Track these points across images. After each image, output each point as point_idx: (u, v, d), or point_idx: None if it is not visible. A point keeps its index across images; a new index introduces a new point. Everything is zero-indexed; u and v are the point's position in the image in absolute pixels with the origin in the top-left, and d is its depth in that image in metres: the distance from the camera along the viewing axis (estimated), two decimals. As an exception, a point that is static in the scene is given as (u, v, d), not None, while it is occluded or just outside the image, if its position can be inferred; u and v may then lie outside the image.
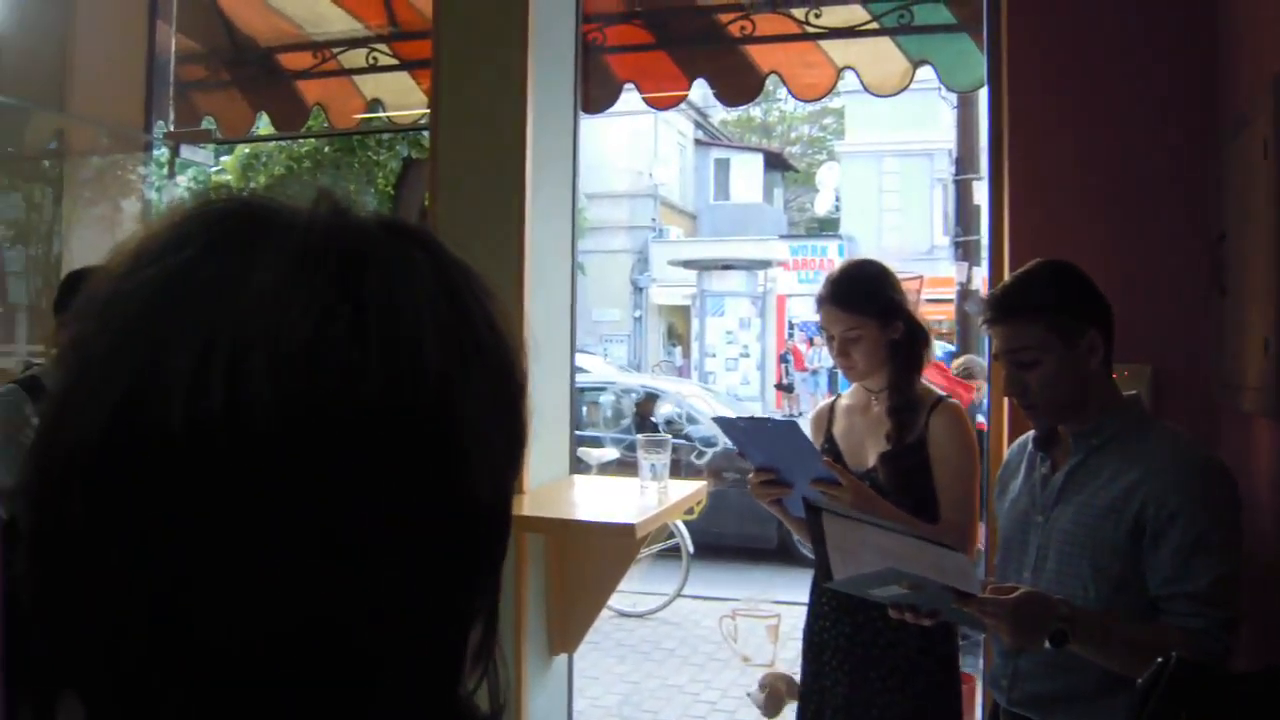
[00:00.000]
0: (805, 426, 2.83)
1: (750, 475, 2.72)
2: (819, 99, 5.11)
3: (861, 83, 4.71)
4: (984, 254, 4.24)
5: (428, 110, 5.75)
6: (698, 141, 29.84)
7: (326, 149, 11.19)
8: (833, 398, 3.04)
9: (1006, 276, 2.47)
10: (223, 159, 11.18)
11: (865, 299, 2.75)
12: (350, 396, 0.51)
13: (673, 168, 27.69)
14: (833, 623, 2.80)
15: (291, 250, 0.55)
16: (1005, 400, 3.03)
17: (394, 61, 5.65)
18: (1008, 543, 2.39)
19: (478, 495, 0.57)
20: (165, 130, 5.17)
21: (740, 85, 4.98)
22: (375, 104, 5.83)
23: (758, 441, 2.73)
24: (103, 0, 4.89)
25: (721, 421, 2.90)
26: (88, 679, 0.54)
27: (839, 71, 4.76)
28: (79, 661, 0.54)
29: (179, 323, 0.52)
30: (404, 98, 5.86)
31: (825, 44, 4.74)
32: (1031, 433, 2.39)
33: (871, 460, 2.78)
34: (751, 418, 2.93)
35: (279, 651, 0.51)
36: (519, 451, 0.62)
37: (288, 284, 0.53)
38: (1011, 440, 2.71)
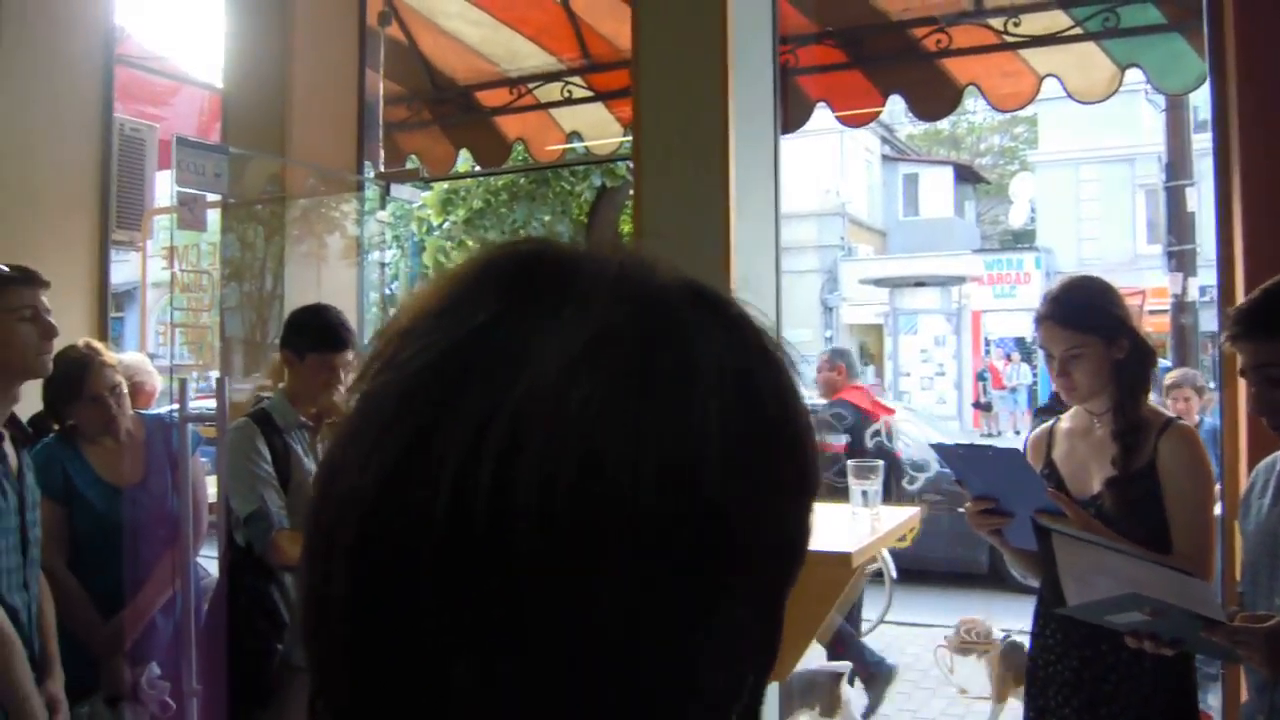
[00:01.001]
0: (1023, 450, 2.74)
1: (968, 504, 2.64)
2: (1019, 108, 5.00)
3: (1065, 90, 4.57)
4: (1201, 263, 4.03)
5: (624, 139, 5.86)
6: (885, 157, 29.43)
7: (522, 181, 11.46)
8: (1051, 420, 2.92)
9: (1240, 287, 2.33)
10: (423, 194, 11.56)
11: (1088, 316, 2.64)
12: (618, 509, 0.48)
13: (860, 185, 27.37)
14: (1059, 656, 2.68)
15: (587, 325, 0.51)
16: (1242, 418, 2.86)
17: (589, 93, 5.76)
18: (1255, 567, 2.25)
19: (755, 594, 0.54)
20: (375, 170, 5.38)
21: (936, 99, 4.90)
22: (573, 136, 5.96)
23: (977, 469, 2.64)
24: (317, 52, 5.12)
25: (940, 449, 2.82)
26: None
27: (1040, 80, 4.63)
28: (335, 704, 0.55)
29: (457, 397, 0.50)
30: (601, 129, 5.97)
31: (1025, 52, 4.63)
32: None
33: (1096, 487, 2.66)
34: (971, 445, 2.84)
35: None
36: (804, 546, 0.58)
37: (576, 367, 0.50)
38: (1251, 461, 2.56)
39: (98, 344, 3.63)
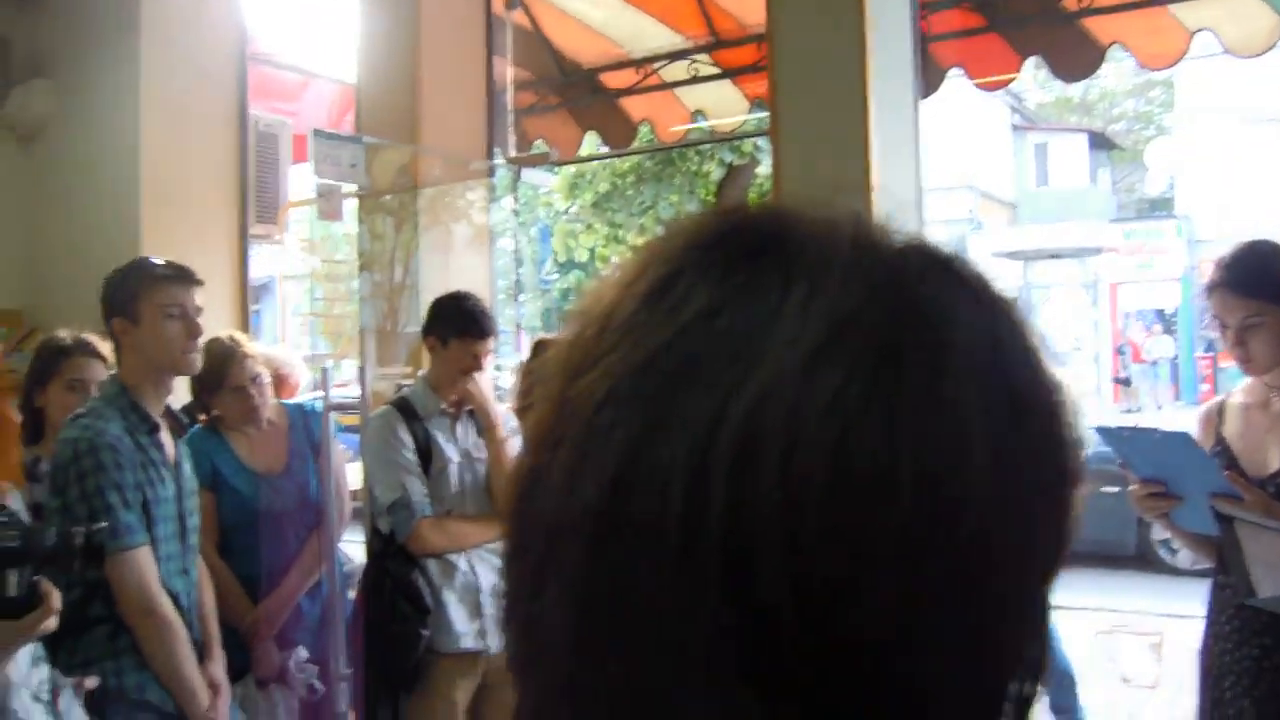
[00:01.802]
0: (1193, 430, 2.59)
1: (1133, 487, 2.51)
2: (1168, 67, 4.78)
3: (1221, 44, 4.34)
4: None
5: (749, 116, 5.78)
6: (1014, 127, 28.65)
7: (648, 163, 11.43)
8: (1222, 395, 2.77)
9: None
10: (553, 177, 11.62)
11: (1266, 282, 2.48)
12: (875, 519, 0.42)
13: (988, 156, 26.70)
14: (1235, 645, 2.53)
15: (820, 310, 0.45)
16: None
17: (715, 71, 5.70)
18: None
19: (1021, 596, 0.47)
20: (505, 156, 5.40)
21: (1078, 60, 4.73)
22: (698, 114, 5.90)
23: (1143, 451, 2.51)
24: (446, 40, 5.15)
25: (1103, 431, 2.67)
26: None
27: (1191, 35, 4.41)
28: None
29: (679, 398, 0.44)
30: (726, 106, 5.90)
31: (1175, 7, 4.41)
32: None
33: (1274, 465, 2.50)
34: (1136, 428, 2.69)
35: None
36: (1068, 537, 0.50)
37: (817, 356, 0.43)
38: None
39: (240, 336, 3.71)
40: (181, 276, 2.88)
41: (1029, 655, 0.48)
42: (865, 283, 0.46)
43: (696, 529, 0.42)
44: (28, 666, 2.22)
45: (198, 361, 2.93)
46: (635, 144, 6.67)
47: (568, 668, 0.46)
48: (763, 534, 0.41)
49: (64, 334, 3.37)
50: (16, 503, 2.49)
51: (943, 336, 0.45)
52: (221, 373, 3.49)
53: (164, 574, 2.78)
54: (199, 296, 2.91)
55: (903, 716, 0.43)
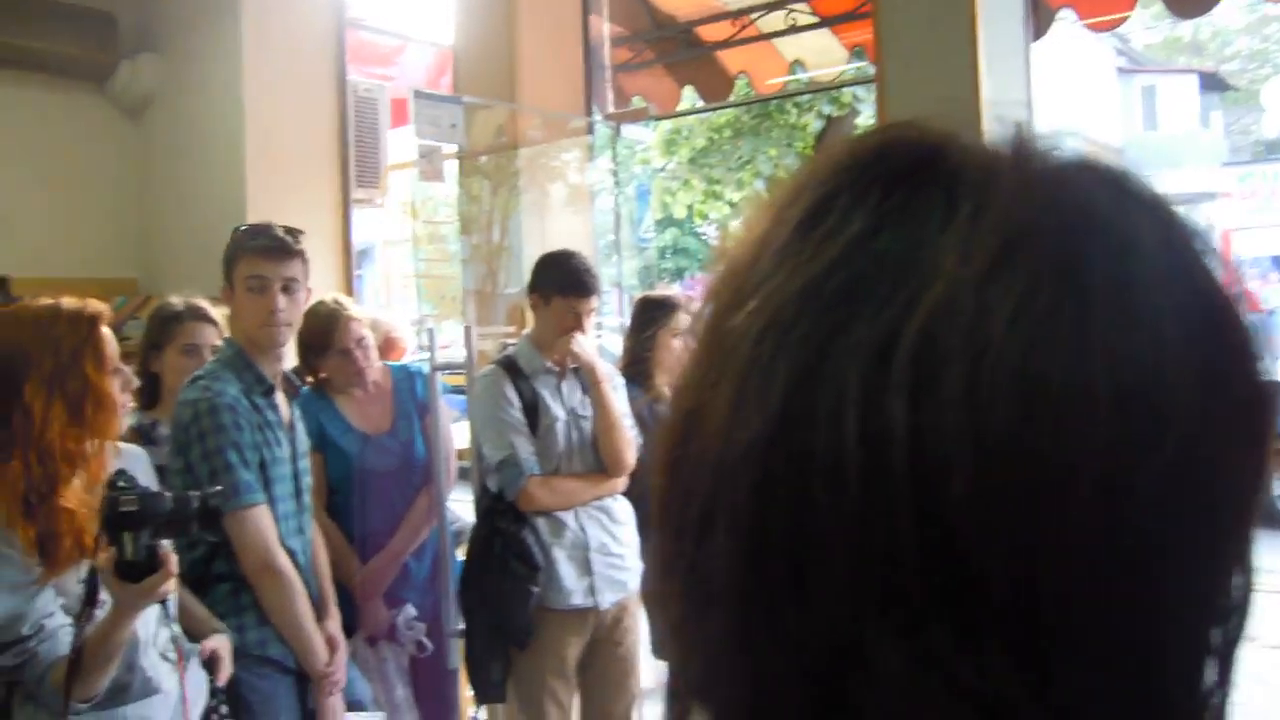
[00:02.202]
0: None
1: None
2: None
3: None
4: None
5: (849, 66, 5.67)
6: (1120, 70, 27.78)
7: (745, 117, 11.32)
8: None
9: None
10: (651, 133, 11.58)
11: None
12: (1073, 444, 0.38)
13: (1093, 101, 25.96)
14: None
15: (991, 224, 0.42)
16: None
17: (813, 19, 5.58)
18: None
19: (1228, 535, 0.43)
20: (603, 113, 5.37)
21: (1199, -7, 4.53)
22: (796, 65, 5.81)
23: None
24: (541, 1, 5.14)
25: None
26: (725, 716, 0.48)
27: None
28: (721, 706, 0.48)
29: (848, 320, 0.41)
30: (825, 56, 5.79)
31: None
32: None
33: None
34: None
35: None
36: (1263, 480, 0.45)
37: (988, 270, 0.40)
38: None
39: (344, 299, 3.75)
40: (267, 249, 2.86)
41: (1234, 597, 0.45)
42: (1036, 195, 0.43)
43: (877, 457, 0.39)
44: (155, 625, 2.28)
45: (277, 336, 2.91)
46: (732, 97, 6.59)
47: (741, 617, 0.44)
48: (951, 457, 0.38)
49: (176, 300, 3.44)
50: (143, 463, 2.54)
51: (1125, 246, 0.42)
52: (327, 336, 3.54)
53: (282, 533, 2.84)
54: (293, 269, 2.89)
55: (1108, 657, 0.40)
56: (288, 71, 5.13)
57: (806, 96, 9.98)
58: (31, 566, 2.10)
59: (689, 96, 6.26)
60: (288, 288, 2.86)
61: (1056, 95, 24.28)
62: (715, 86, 5.97)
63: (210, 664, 2.55)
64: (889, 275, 0.41)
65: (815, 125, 10.52)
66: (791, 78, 6.01)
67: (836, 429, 0.40)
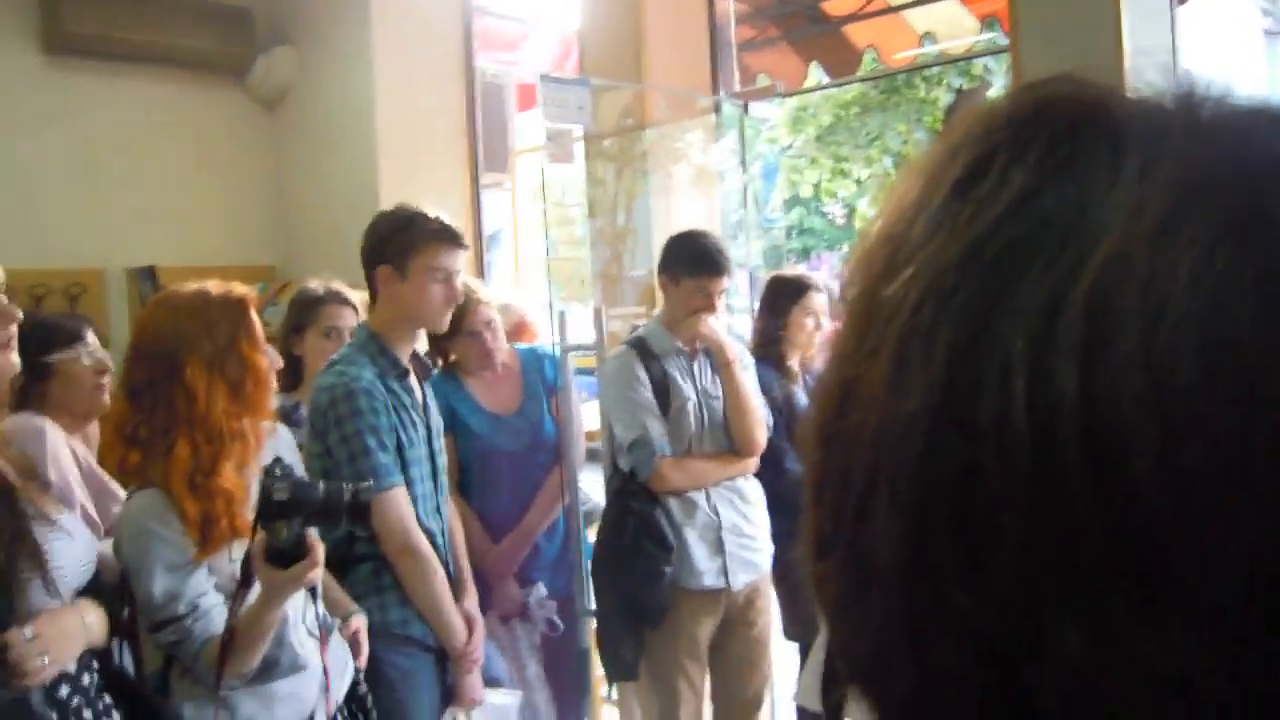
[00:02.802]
0: None
1: None
2: None
3: None
4: None
5: (981, 37, 5.52)
6: (1267, 32, 26.60)
7: (872, 92, 11.14)
8: None
9: None
10: (778, 111, 11.47)
11: None
12: (1263, 410, 0.35)
13: (1240, 63, 24.94)
14: None
15: (1164, 180, 0.39)
16: None
17: (944, -10, 5.46)
18: None
19: None
20: (730, 91, 5.33)
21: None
22: (926, 38, 5.68)
23: None
24: (667, -23, 5.14)
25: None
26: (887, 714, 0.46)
27: None
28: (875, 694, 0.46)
29: (1011, 285, 0.39)
30: (955, 26, 5.66)
31: None
32: None
33: None
34: None
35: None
36: None
37: (1163, 227, 0.38)
38: None
39: (473, 282, 3.79)
40: (454, 240, 2.94)
41: None
42: (1210, 147, 0.40)
43: (1048, 425, 0.37)
44: (302, 604, 2.34)
45: (448, 320, 3.01)
46: (860, 72, 6.49)
47: (906, 599, 0.41)
48: (1128, 423, 0.36)
49: (316, 285, 3.54)
50: (289, 443, 2.62)
51: None
52: (456, 319, 3.59)
53: (420, 514, 2.89)
54: (461, 259, 2.98)
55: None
56: (417, 60, 5.22)
57: (935, 70, 9.77)
58: (187, 547, 2.18)
59: (815, 73, 6.18)
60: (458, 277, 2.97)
61: (1202, 59, 23.33)
62: (842, 61, 5.87)
63: (352, 642, 2.62)
64: (1054, 236, 0.39)
65: (945, 99, 10.29)
66: (922, 50, 5.88)
67: (1004, 397, 0.38)
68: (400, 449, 2.88)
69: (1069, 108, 0.43)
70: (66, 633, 1.97)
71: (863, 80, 8.81)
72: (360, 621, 2.71)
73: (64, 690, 1.97)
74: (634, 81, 4.93)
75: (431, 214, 2.96)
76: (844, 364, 0.45)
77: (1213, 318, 0.36)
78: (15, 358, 1.96)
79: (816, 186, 12.28)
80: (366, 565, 2.87)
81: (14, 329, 1.95)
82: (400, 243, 2.90)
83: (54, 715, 1.93)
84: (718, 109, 5.20)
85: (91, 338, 2.47)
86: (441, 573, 2.91)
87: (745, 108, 5.19)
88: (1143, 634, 0.36)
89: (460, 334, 3.61)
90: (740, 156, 5.39)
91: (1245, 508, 0.35)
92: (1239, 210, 0.37)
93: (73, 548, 2.04)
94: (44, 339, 2.64)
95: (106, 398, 2.50)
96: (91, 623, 2.05)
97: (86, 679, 2.03)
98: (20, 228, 4.68)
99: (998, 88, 9.81)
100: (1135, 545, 0.36)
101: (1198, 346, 0.35)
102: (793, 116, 11.73)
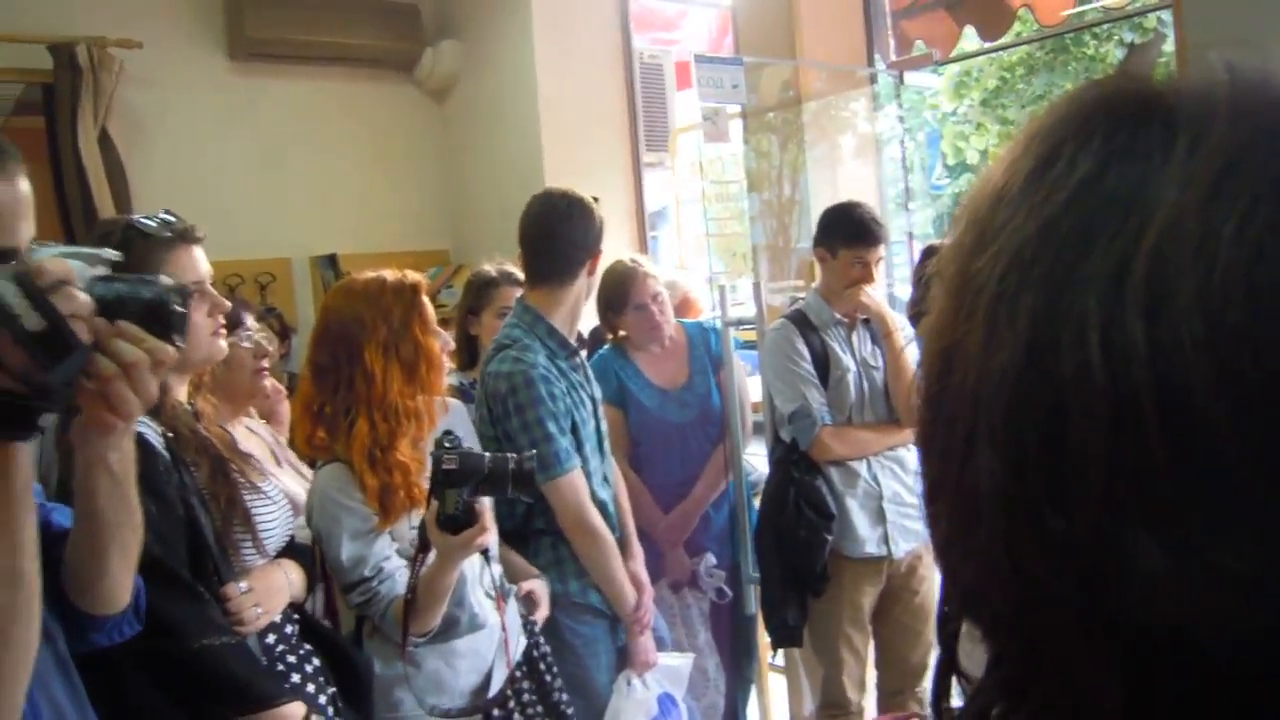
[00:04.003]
0: None
1: None
2: None
3: None
4: None
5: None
6: None
7: (1037, 53, 10.80)
8: None
9: None
10: (937, 79, 11.21)
11: None
12: None
13: None
14: None
15: (1209, 154, 0.45)
16: None
17: (1107, -57, 5.29)
18: None
19: None
20: (886, 61, 5.30)
21: None
22: (1087, -6, 5.50)
23: None
24: (818, -50, 5.11)
25: None
26: (993, 631, 0.53)
27: None
28: (983, 613, 0.53)
29: (1080, 257, 0.46)
30: (1120, -20, 5.47)
31: None
32: None
33: None
34: None
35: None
36: None
37: (1210, 193, 0.44)
38: None
39: (640, 257, 3.90)
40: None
41: None
42: (1251, 122, 0.46)
43: (1122, 371, 0.43)
44: (479, 567, 2.49)
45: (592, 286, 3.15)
46: (1013, 33, 6.31)
47: (1006, 528, 0.48)
48: (1190, 363, 0.42)
49: (490, 267, 3.70)
50: (464, 418, 2.78)
51: None
52: (624, 292, 3.69)
53: (592, 487, 3.02)
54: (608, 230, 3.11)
55: None
56: (576, 45, 5.34)
57: (1105, 26, 9.40)
58: (370, 515, 2.36)
59: (970, 37, 6.05)
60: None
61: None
62: (994, 22, 5.72)
63: (527, 603, 2.77)
64: (1118, 209, 0.46)
65: (1116, 55, 9.91)
66: (1080, 8, 5.70)
67: (1081, 349, 0.44)
68: (575, 429, 3.00)
69: (1126, 99, 0.50)
70: (275, 587, 2.18)
71: (1022, 43, 8.55)
72: (536, 584, 2.86)
73: (271, 638, 2.17)
74: (789, 56, 4.94)
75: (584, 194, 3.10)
76: (944, 332, 0.53)
77: (1258, 264, 0.42)
78: (224, 344, 2.15)
79: (984, 152, 11.97)
80: (546, 539, 3.02)
81: (222, 318, 2.13)
82: (601, 230, 3.06)
83: (264, 660, 2.13)
84: (873, 80, 5.17)
85: (251, 322, 2.63)
86: (614, 547, 3.03)
87: (900, 77, 5.14)
88: (1217, 545, 0.42)
89: (628, 308, 3.71)
90: (901, 125, 5.35)
91: None
92: (1274, 176, 0.44)
93: (274, 512, 2.23)
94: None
95: (267, 381, 2.67)
96: (294, 579, 2.26)
97: (289, 628, 2.24)
98: (214, 222, 4.90)
99: (1171, 41, 9.35)
100: (1205, 468, 0.42)
101: (1245, 290, 0.42)
102: (957, 82, 11.45)
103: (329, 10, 5.38)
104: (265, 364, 2.61)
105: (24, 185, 1.30)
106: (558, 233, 3.03)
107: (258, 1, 5.20)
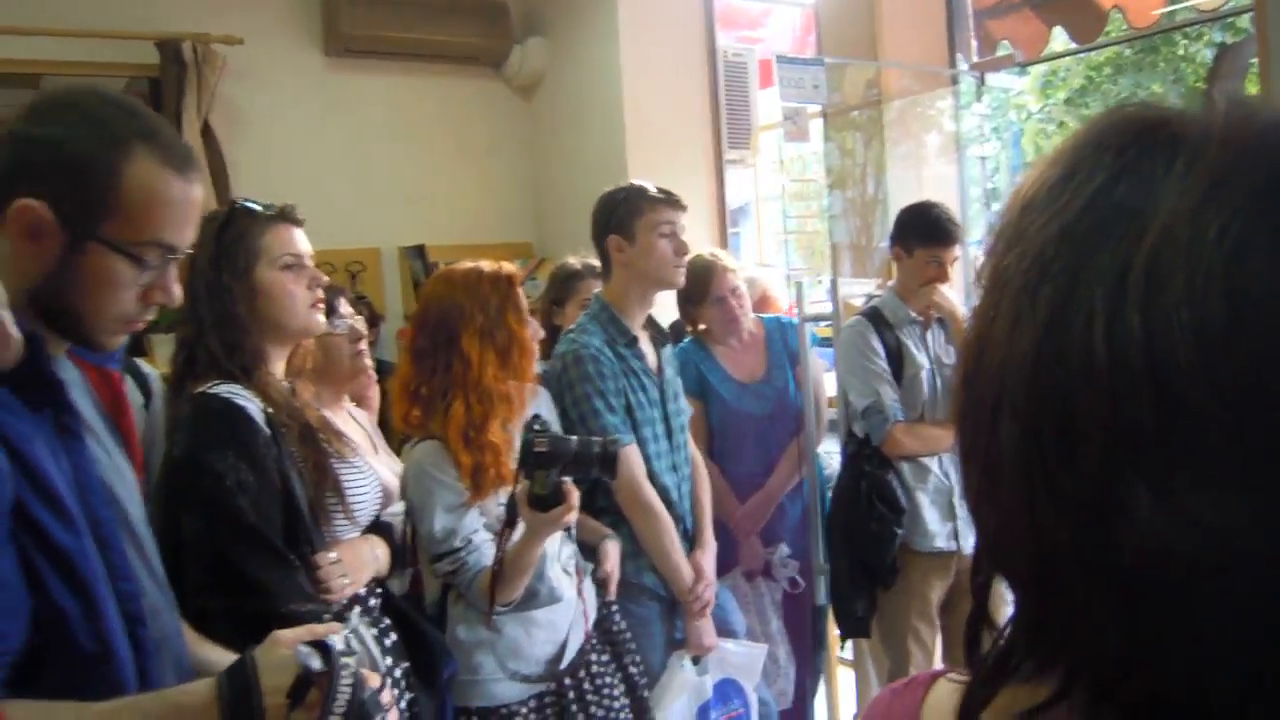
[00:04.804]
0: None
1: None
2: None
3: None
4: None
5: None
6: None
7: (1126, 52, 10.65)
8: None
9: None
10: (1020, 80, 11.10)
11: None
12: (1270, 339, 0.51)
13: None
14: None
15: (1201, 171, 0.54)
16: None
17: (1199, -56, 5.23)
18: None
19: None
20: (969, 62, 5.31)
21: None
22: (1178, -6, 5.46)
23: None
24: (902, -50, 5.14)
25: None
26: (1014, 580, 0.63)
27: None
28: (1005, 563, 0.63)
29: (1091, 255, 0.55)
30: (1210, -18, 5.40)
31: None
32: None
33: None
34: None
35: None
36: None
37: (1199, 205, 0.53)
38: None
39: (719, 251, 3.98)
40: (671, 200, 3.16)
41: None
42: (1239, 147, 0.55)
43: (1121, 353, 0.53)
44: (559, 545, 2.63)
45: (682, 276, 3.21)
46: (1107, 34, 6.25)
47: (1025, 486, 0.58)
48: (1177, 345, 0.51)
49: (574, 260, 3.82)
50: (549, 404, 2.90)
51: None
52: (704, 286, 3.77)
53: (655, 470, 3.12)
54: (683, 219, 3.18)
55: None
56: (661, 42, 5.41)
57: (1196, 26, 9.24)
58: (462, 490, 2.51)
59: (1059, 36, 6.01)
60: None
61: None
62: (1085, 23, 5.67)
63: (602, 583, 2.88)
64: (1124, 216, 0.56)
65: (1206, 55, 9.74)
66: (1173, 8, 5.64)
67: (1088, 334, 0.54)
68: (630, 410, 3.10)
69: (1137, 125, 0.60)
70: (362, 560, 2.31)
71: (1107, 45, 8.41)
72: (611, 547, 2.97)
73: (354, 609, 2.29)
74: (871, 55, 4.99)
75: (647, 183, 3.20)
76: (979, 324, 0.64)
77: (1235, 263, 0.52)
78: (321, 318, 2.27)
79: (1067, 151, 11.77)
80: (606, 517, 3.12)
81: (321, 291, 2.26)
82: (623, 211, 3.15)
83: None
84: (954, 81, 5.19)
85: (345, 308, 2.73)
86: (669, 523, 3.12)
87: (982, 78, 5.15)
88: (1196, 496, 0.52)
89: (707, 301, 3.80)
90: (984, 126, 5.36)
91: (1266, 402, 0.51)
92: (1258, 186, 0.54)
93: (364, 484, 2.36)
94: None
95: (367, 361, 2.78)
96: (380, 554, 2.39)
97: (372, 601, 2.36)
98: (307, 212, 5.08)
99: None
100: (1187, 435, 0.52)
101: (1225, 289, 0.52)
102: (1044, 81, 11.32)
103: (421, 8, 5.52)
104: (362, 345, 2.72)
105: (200, 191, 1.43)
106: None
107: (354, 0, 5.37)
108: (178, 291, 1.44)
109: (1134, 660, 0.55)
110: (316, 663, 1.31)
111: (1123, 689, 0.56)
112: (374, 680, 1.37)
